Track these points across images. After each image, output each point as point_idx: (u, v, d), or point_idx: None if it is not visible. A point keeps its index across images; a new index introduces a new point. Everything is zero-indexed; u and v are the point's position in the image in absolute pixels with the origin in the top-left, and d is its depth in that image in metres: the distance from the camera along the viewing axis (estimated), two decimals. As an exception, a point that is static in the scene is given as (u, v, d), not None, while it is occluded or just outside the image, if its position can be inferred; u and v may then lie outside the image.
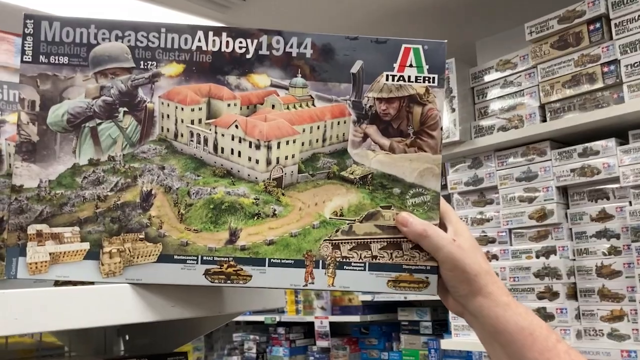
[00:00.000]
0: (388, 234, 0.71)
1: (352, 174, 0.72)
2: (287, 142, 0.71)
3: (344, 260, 0.71)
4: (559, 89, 2.11)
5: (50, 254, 0.68)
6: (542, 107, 2.19)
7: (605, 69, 1.98)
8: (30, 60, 0.69)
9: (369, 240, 0.71)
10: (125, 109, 0.70)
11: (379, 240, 0.71)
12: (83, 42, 0.70)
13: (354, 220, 0.71)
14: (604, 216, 2.00)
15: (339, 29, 2.81)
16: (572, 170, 2.08)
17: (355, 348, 3.62)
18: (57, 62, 0.70)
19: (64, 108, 0.70)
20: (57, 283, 0.78)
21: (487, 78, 2.36)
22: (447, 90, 2.35)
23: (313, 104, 0.72)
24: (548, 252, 2.13)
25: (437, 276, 0.71)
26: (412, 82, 0.72)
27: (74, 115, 0.70)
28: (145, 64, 0.70)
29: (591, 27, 2.04)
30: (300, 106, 0.72)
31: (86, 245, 0.69)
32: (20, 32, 1.37)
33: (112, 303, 0.66)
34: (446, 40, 0.72)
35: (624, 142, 1.97)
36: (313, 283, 0.70)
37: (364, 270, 0.71)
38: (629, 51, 1.92)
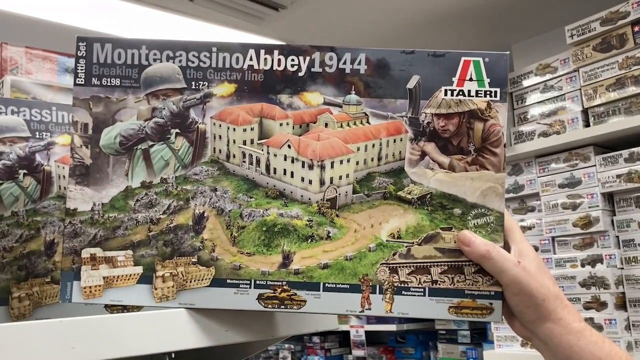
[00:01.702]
0: (449, 258, 0.68)
1: (409, 194, 0.69)
2: (341, 162, 0.69)
3: (402, 285, 0.68)
4: (602, 93, 2.04)
5: (103, 277, 0.68)
6: (584, 111, 2.13)
7: (651, 71, 1.91)
8: (82, 82, 0.69)
9: (428, 264, 0.68)
10: (177, 130, 0.69)
11: (440, 264, 0.68)
12: (135, 63, 0.69)
13: (413, 243, 0.69)
14: None
15: (372, 38, 2.79)
16: (619, 176, 2.02)
17: (392, 357, 3.58)
18: (109, 84, 0.69)
19: (117, 130, 0.69)
20: (107, 307, 0.77)
21: (526, 83, 2.31)
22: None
23: (368, 122, 0.69)
24: (594, 261, 2.06)
25: (501, 302, 0.68)
26: (473, 96, 0.69)
27: (126, 138, 0.69)
28: (197, 84, 0.69)
29: (636, 29, 1.98)
30: (355, 124, 0.70)
31: (139, 269, 0.68)
32: (61, 51, 1.38)
33: (167, 329, 0.65)
34: (508, 52, 0.69)
35: None
36: (370, 309, 0.67)
37: (424, 295, 0.68)
38: (675, 52, 1.85)
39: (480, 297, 0.68)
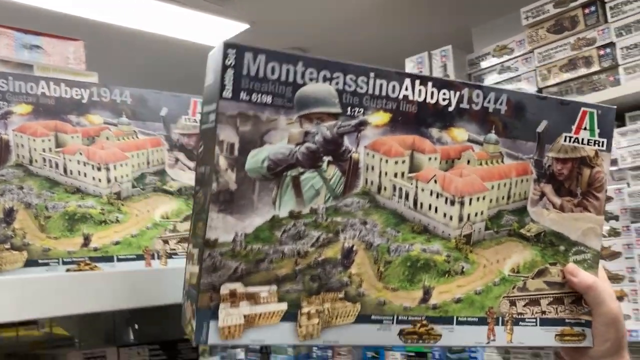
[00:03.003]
0: (554, 290, 0.75)
1: (529, 231, 0.74)
2: (478, 199, 0.71)
3: (519, 316, 0.73)
4: (556, 73, 2.12)
5: (244, 316, 0.62)
6: (539, 91, 2.20)
7: (602, 52, 2.01)
8: (230, 96, 0.60)
9: (539, 296, 0.74)
10: (330, 158, 0.64)
11: (547, 296, 0.74)
12: (289, 80, 0.62)
13: (528, 277, 0.74)
14: None
15: (334, 20, 2.69)
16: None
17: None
18: (259, 101, 0.61)
19: (265, 153, 0.62)
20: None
21: (484, 64, 2.37)
22: (444, 77, 2.36)
23: (502, 161, 0.72)
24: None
25: (591, 330, 0.76)
26: (585, 144, 0.75)
27: (275, 162, 0.62)
28: (352, 110, 0.64)
29: (586, 11, 2.06)
30: (492, 162, 0.71)
31: (284, 306, 0.63)
32: (18, 26, 1.23)
33: (122, 287, 0.70)
34: (615, 107, 0.76)
35: (621, 125, 2.01)
36: (494, 340, 0.71)
37: (536, 325, 0.74)
38: (624, 34, 1.96)
39: (576, 325, 0.75)
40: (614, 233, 1.99)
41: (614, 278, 2.00)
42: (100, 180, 0.83)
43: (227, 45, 0.60)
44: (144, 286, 0.75)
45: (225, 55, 0.60)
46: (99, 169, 0.83)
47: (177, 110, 0.89)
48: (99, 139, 0.84)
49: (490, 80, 2.41)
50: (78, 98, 0.83)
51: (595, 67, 2.05)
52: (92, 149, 0.83)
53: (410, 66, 2.55)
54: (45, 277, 0.74)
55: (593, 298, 0.74)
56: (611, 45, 2.05)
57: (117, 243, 0.83)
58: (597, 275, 0.76)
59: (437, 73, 2.42)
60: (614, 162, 1.99)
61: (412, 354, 3.36)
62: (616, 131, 1.97)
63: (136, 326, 1.13)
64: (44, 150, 0.81)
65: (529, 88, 2.28)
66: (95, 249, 0.81)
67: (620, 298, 1.98)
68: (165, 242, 0.86)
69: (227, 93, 0.60)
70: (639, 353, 1.72)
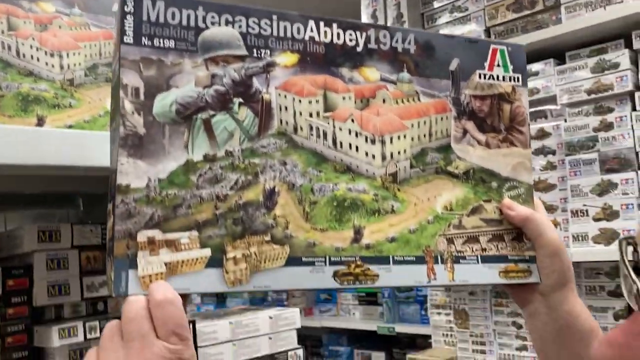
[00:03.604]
0: (492, 227, 0.73)
1: (456, 168, 0.73)
2: (399, 137, 0.70)
3: (459, 254, 0.71)
4: (503, 13, 2.18)
5: (165, 264, 0.59)
6: (487, 30, 2.23)
7: (545, -9, 2.05)
8: (131, 42, 0.60)
9: (477, 233, 0.72)
10: (241, 99, 0.64)
11: (485, 233, 0.73)
12: (191, 25, 0.62)
13: (462, 214, 0.72)
14: (542, 134, 2.03)
15: None
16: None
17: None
18: (162, 45, 0.61)
19: (172, 97, 0.61)
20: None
21: (437, 4, 2.39)
22: (398, 16, 2.38)
23: (419, 99, 0.72)
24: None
25: (536, 265, 0.74)
26: (500, 80, 0.76)
27: (183, 106, 0.61)
28: (259, 52, 0.65)
29: None
30: (408, 101, 0.72)
31: (207, 252, 0.60)
32: None
33: None
34: (525, 44, 0.78)
35: (561, 63, 2.06)
36: (435, 279, 0.69)
37: (477, 263, 0.72)
38: (565, -27, 1.99)
39: (520, 261, 0.74)
40: (551, 167, 2.00)
41: (549, 208, 2.01)
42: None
43: (124, -7, 0.60)
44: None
45: (123, 2, 0.60)
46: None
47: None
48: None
49: (442, 19, 2.43)
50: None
51: (539, 7, 2.12)
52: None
53: (365, 4, 2.57)
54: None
55: (532, 230, 0.73)
56: (554, -17, 2.10)
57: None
58: (533, 209, 0.75)
59: (391, 12, 2.46)
60: (552, 99, 2.01)
61: (363, 294, 3.30)
62: (555, 69, 2.01)
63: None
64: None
65: (478, 28, 2.30)
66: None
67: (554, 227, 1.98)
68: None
69: (128, 39, 0.60)
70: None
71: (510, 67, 0.77)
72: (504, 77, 0.76)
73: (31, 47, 0.80)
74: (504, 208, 0.73)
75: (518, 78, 0.77)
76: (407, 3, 2.42)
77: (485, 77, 0.75)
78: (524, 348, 1.93)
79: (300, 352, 0.94)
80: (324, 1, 2.47)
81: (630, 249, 0.45)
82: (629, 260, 0.45)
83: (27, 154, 0.64)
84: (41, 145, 0.65)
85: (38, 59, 0.80)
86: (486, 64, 0.76)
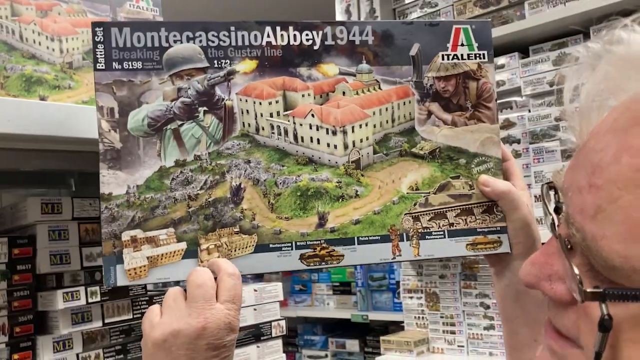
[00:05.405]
0: (460, 202, 0.77)
1: (421, 149, 0.77)
2: (360, 126, 0.75)
3: (425, 230, 0.76)
4: (470, 8, 2.24)
5: (147, 257, 0.69)
6: None
7: (510, -13, 2.10)
8: (103, 67, 0.69)
9: (444, 209, 0.77)
10: (205, 108, 0.71)
11: (453, 208, 0.77)
12: (155, 45, 0.70)
13: (429, 193, 0.76)
14: (507, 124, 2.08)
15: None
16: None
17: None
18: (131, 67, 0.70)
19: (144, 112, 0.70)
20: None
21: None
22: (371, 11, 2.44)
23: (380, 88, 0.76)
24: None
25: (507, 235, 0.77)
26: (465, 59, 0.78)
27: (154, 119, 0.70)
28: (219, 62, 0.72)
29: None
30: (369, 90, 0.76)
31: (183, 245, 0.70)
32: None
33: None
34: (490, 20, 0.79)
35: (525, 57, 2.12)
36: (400, 255, 0.74)
37: (444, 237, 0.76)
38: (528, -30, 2.04)
39: (490, 232, 0.77)
40: (516, 155, 2.03)
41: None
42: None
43: (95, 24, 0.69)
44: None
45: (94, 33, 0.69)
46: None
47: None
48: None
49: (413, 15, 2.44)
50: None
51: (505, 3, 2.16)
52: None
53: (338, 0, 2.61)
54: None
55: (507, 204, 0.75)
56: (518, -19, 2.13)
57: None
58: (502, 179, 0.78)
59: (364, 7, 2.49)
60: (517, 91, 2.06)
61: (337, 283, 3.35)
62: (520, 62, 2.08)
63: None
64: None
65: (447, 23, 2.31)
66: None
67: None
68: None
69: (100, 65, 0.69)
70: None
71: (476, 45, 0.78)
72: (469, 55, 0.78)
73: (33, 31, 0.85)
74: (480, 186, 0.76)
75: (484, 55, 0.78)
76: (380, -1, 2.45)
77: (449, 58, 0.78)
78: (491, 327, 1.99)
79: (283, 322, 1.03)
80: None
81: (552, 193, 0.50)
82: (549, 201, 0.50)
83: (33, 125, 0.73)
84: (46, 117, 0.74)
85: (40, 43, 0.85)
86: (449, 45, 0.78)
